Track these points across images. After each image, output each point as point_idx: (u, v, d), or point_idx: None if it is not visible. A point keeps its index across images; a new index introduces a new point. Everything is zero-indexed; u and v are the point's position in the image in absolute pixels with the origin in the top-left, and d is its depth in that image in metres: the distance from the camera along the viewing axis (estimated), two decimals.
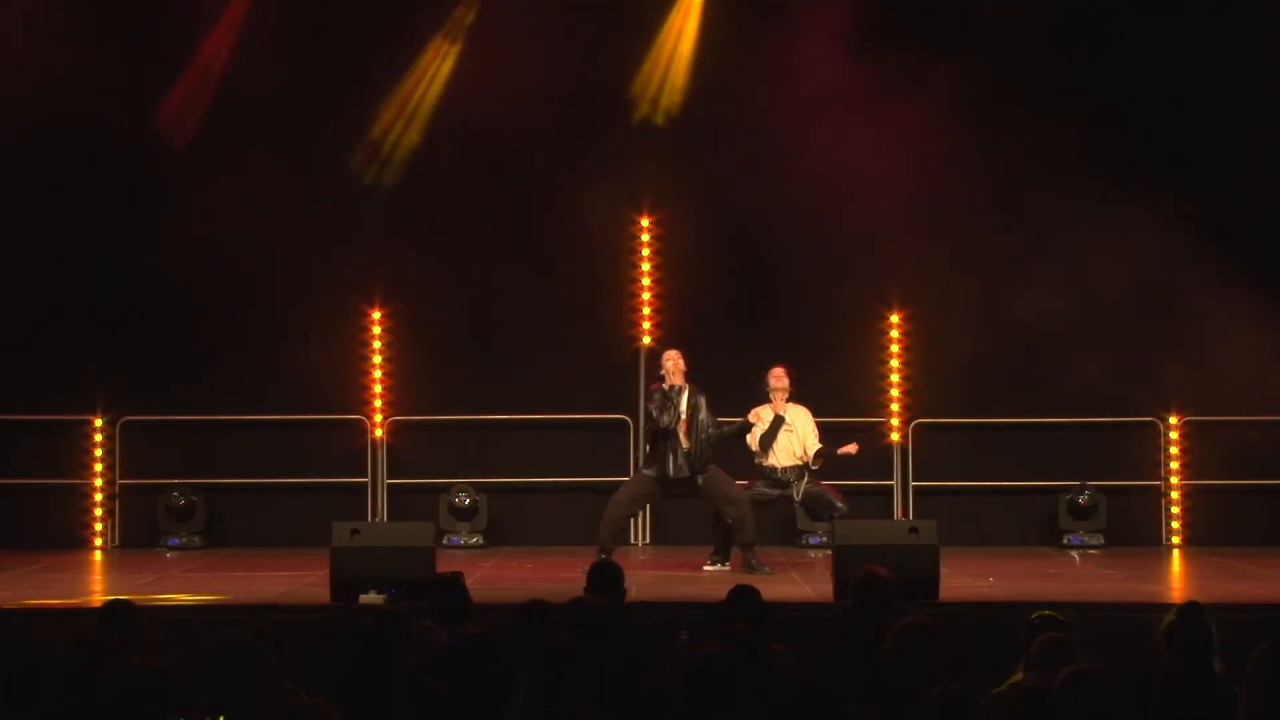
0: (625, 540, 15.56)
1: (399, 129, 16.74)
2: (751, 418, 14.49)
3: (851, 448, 14.69)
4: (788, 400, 14.69)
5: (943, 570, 11.90)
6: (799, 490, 14.55)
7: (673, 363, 14.22)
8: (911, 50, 15.89)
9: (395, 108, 16.71)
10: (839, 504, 14.43)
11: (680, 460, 14.05)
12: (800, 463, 14.57)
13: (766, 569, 13.87)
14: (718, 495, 14.18)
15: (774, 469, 14.56)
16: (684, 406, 14.09)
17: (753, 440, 14.56)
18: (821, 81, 16.16)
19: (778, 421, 14.58)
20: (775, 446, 14.57)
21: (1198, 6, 16.47)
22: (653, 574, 14.11)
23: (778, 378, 14.67)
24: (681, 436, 14.08)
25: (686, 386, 14.15)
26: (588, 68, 16.53)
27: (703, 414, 14.10)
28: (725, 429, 14.30)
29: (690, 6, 16.86)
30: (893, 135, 15.98)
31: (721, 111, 16.78)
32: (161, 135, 16.50)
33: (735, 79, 16.69)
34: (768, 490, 14.58)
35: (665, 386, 14.14)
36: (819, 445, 14.63)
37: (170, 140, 16.49)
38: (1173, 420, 16.82)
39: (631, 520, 16.08)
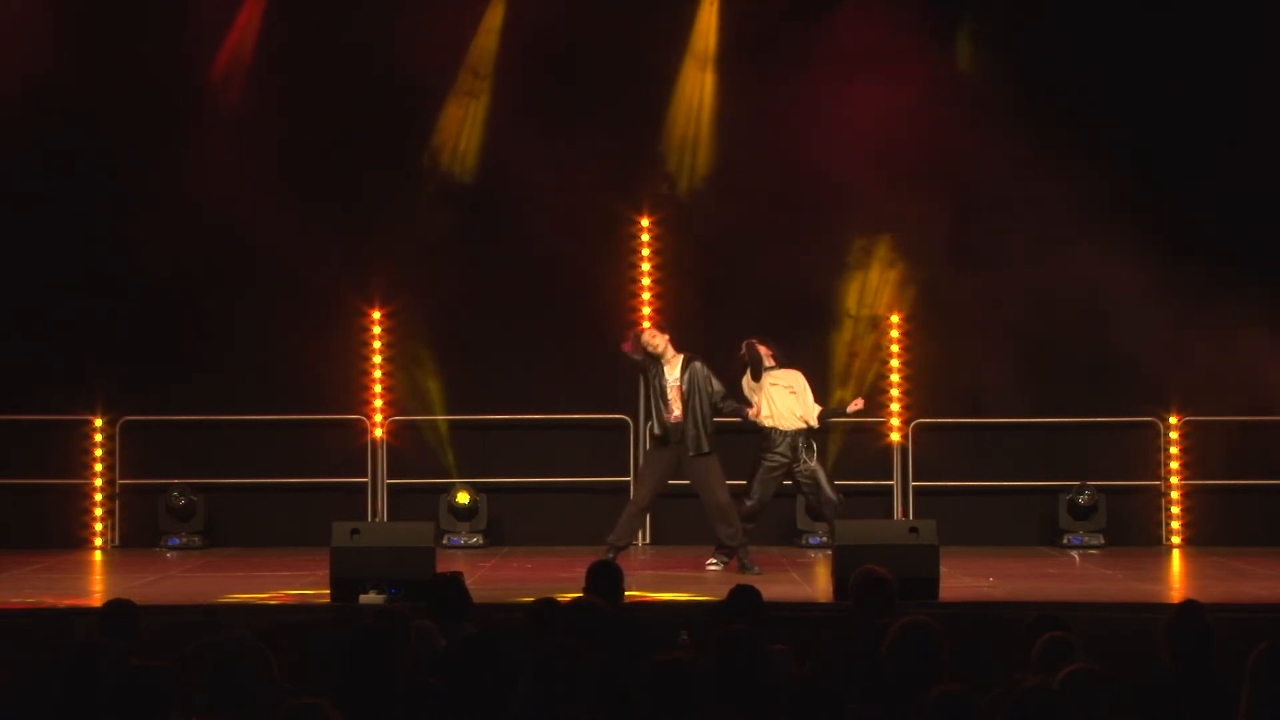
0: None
1: (460, 147, 16.82)
2: (751, 413, 14.51)
3: (859, 403, 14.88)
4: (784, 365, 14.64)
5: (943, 570, 11.90)
6: (812, 458, 14.48)
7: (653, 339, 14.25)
8: (910, 54, 15.90)
9: (454, 120, 16.74)
10: (833, 497, 14.40)
11: (664, 425, 14.09)
12: (805, 426, 14.54)
13: (757, 568, 13.84)
14: (701, 486, 14.14)
15: (781, 433, 14.49)
16: (673, 378, 14.11)
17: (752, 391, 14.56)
18: (821, 84, 16.19)
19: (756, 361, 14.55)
20: (778, 408, 14.50)
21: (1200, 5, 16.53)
22: (653, 574, 14.11)
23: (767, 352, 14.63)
24: (677, 406, 14.07)
25: (679, 358, 14.15)
26: (591, 69, 16.55)
27: (700, 386, 14.07)
28: (725, 406, 14.25)
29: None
30: (892, 136, 15.99)
31: (723, 114, 16.81)
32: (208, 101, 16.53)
33: (736, 83, 16.73)
34: (775, 468, 14.48)
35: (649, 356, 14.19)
36: (819, 408, 14.65)
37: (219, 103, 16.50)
38: (1173, 420, 16.81)
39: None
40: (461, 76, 16.86)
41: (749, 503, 14.37)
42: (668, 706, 5.62)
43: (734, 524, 14.07)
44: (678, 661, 5.79)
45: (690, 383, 14.11)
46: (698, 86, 16.92)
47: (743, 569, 13.84)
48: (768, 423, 14.50)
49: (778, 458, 14.45)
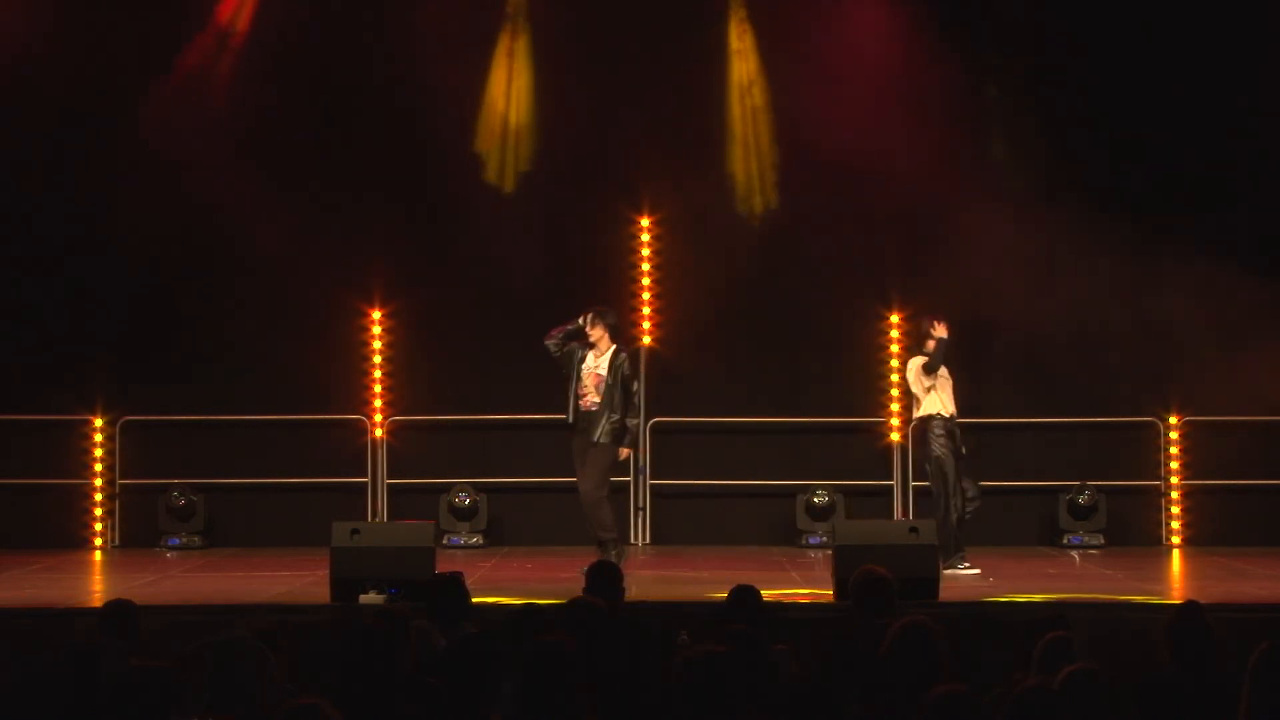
0: (625, 539, 15.53)
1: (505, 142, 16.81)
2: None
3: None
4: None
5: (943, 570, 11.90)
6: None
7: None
8: (915, 53, 15.90)
9: (491, 121, 16.73)
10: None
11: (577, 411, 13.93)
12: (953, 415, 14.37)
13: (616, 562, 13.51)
14: (581, 473, 13.91)
15: (949, 417, 14.30)
16: (588, 365, 13.92)
17: (919, 379, 14.30)
18: (824, 81, 16.21)
19: (941, 346, 14.27)
20: (943, 392, 14.30)
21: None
22: (653, 574, 14.10)
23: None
24: (591, 393, 13.90)
25: (611, 347, 13.97)
26: (593, 70, 16.56)
27: (621, 378, 13.89)
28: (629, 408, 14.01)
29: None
30: (893, 135, 15.98)
31: (724, 112, 16.83)
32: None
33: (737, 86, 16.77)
34: (948, 453, 14.24)
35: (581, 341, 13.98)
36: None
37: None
38: (1173, 420, 16.81)
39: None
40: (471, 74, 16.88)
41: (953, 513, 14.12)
42: (706, 700, 5.64)
43: (599, 519, 13.81)
44: (714, 654, 5.81)
45: (613, 374, 13.94)
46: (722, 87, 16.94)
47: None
48: (930, 396, 14.29)
49: (948, 451, 14.23)
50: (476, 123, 16.80)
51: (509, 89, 16.85)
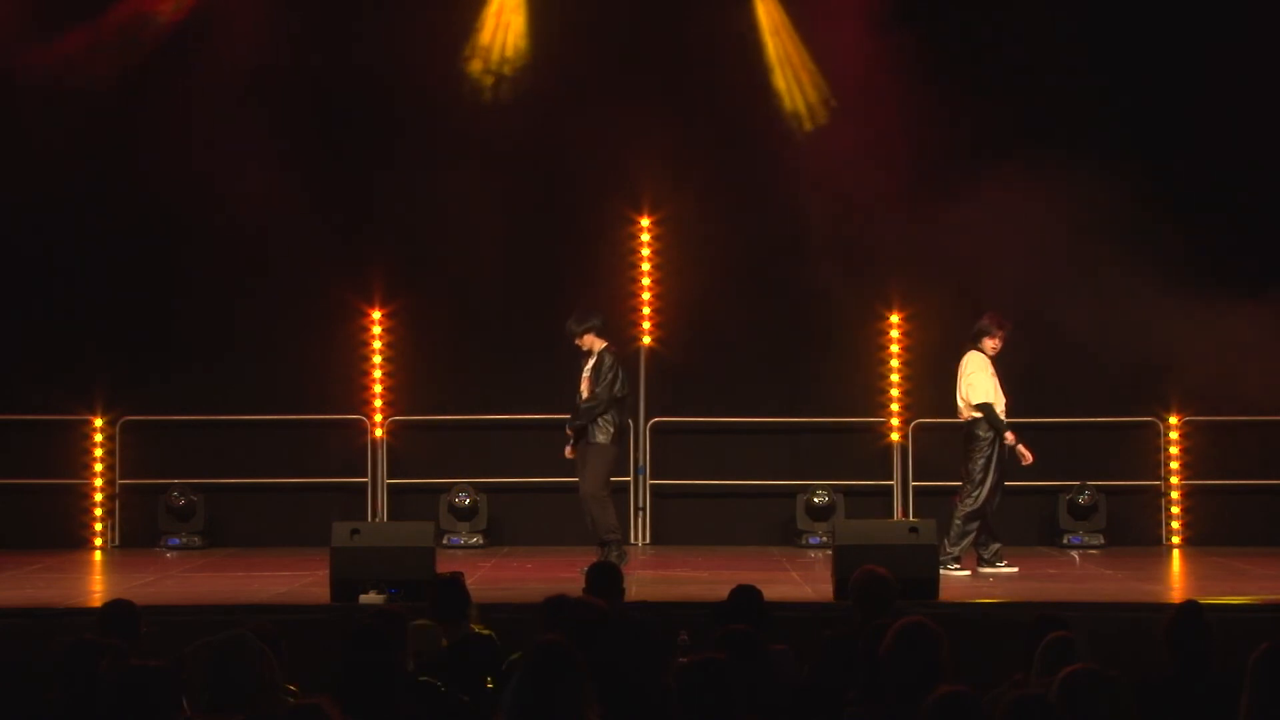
0: (625, 540, 15.53)
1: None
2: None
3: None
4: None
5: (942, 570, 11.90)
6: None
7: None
8: (917, 50, 15.90)
9: (491, 120, 16.73)
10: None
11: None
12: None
13: (616, 559, 13.45)
14: (581, 473, 14.06)
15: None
16: (586, 370, 14.07)
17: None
18: (825, 80, 16.22)
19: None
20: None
21: None
22: (653, 574, 14.11)
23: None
24: (586, 394, 14.05)
25: (601, 345, 14.13)
26: (592, 68, 16.56)
27: (601, 377, 13.99)
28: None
29: None
30: (893, 134, 15.98)
31: (724, 108, 16.82)
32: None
33: (738, 76, 16.75)
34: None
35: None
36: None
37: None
38: (1173, 420, 16.82)
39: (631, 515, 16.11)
40: (465, 74, 16.87)
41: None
42: (701, 707, 5.65)
43: (599, 518, 13.91)
44: (710, 661, 5.81)
45: (596, 373, 14.04)
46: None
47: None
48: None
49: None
50: (476, 122, 16.78)
51: (509, 89, 16.86)
